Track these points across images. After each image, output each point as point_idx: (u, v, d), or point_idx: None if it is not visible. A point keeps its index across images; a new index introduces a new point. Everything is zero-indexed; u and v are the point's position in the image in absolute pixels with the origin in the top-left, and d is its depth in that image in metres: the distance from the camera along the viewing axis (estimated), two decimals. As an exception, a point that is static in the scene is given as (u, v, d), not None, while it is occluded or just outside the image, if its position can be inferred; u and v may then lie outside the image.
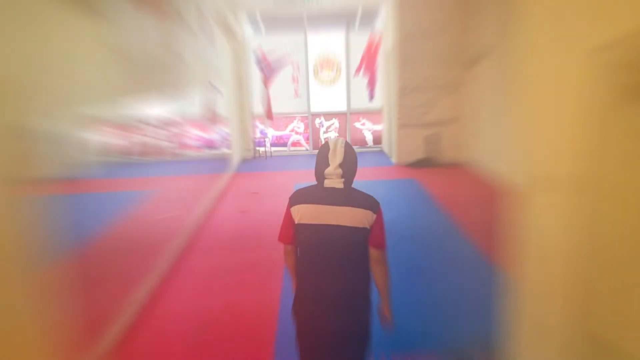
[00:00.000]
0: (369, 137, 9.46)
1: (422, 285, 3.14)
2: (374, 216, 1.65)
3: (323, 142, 1.76)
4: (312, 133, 9.36)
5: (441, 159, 7.40)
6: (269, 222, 4.73)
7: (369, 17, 8.61)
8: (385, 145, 8.84)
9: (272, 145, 9.46)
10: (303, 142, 9.58)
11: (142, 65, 3.25)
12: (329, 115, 9.34)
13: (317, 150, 1.75)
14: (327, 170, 1.67)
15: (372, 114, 9.26)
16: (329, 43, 9.06)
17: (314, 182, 1.77)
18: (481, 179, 6.26)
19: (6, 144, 1.62)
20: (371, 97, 8.91)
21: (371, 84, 8.82)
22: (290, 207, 1.71)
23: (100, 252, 2.61)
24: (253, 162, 8.67)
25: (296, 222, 1.68)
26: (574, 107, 1.29)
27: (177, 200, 4.37)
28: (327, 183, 1.68)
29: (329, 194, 1.67)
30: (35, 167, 1.89)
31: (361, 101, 9.07)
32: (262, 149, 9.10)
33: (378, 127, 9.32)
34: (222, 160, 6.95)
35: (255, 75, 8.85)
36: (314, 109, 9.21)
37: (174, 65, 4.18)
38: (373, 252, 1.69)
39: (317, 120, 9.34)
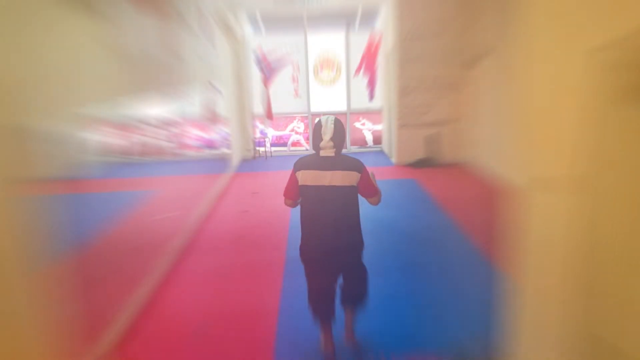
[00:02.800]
0: (369, 137, 9.46)
1: (421, 285, 3.14)
2: (359, 175, 2.16)
3: (317, 121, 2.26)
4: (312, 133, 9.36)
5: (441, 159, 7.40)
6: (269, 222, 4.73)
7: (369, 17, 8.61)
8: (385, 145, 8.84)
9: (272, 145, 9.45)
10: (303, 142, 9.58)
11: (142, 65, 3.25)
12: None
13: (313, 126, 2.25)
14: (322, 144, 2.17)
15: (372, 114, 9.26)
16: (329, 43, 9.05)
17: None
18: (481, 179, 6.26)
19: (6, 144, 1.62)
20: (371, 97, 8.91)
21: (371, 84, 8.82)
22: (295, 172, 2.22)
23: (100, 252, 2.61)
24: (253, 162, 8.67)
25: (300, 183, 2.20)
26: (574, 107, 1.29)
27: (177, 200, 4.37)
28: (322, 153, 2.18)
29: (324, 161, 2.16)
30: (35, 167, 1.89)
31: (361, 101, 9.07)
32: (262, 149, 9.10)
33: (378, 127, 9.32)
34: (222, 160, 6.95)
35: (255, 75, 8.85)
36: (314, 109, 9.21)
37: (174, 65, 4.18)
38: (368, 200, 2.29)
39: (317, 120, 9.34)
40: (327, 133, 2.16)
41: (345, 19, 8.73)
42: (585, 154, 1.25)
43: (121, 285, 2.83)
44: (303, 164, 2.21)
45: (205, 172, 5.91)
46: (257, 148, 9.05)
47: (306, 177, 2.17)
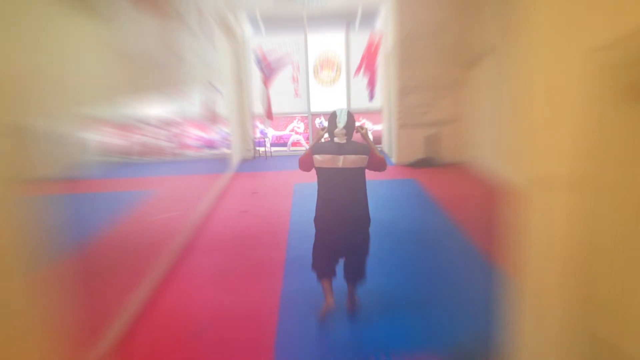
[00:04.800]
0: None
1: (422, 285, 3.14)
2: (367, 157, 2.60)
3: (332, 112, 2.68)
4: (312, 133, 9.36)
5: (441, 159, 7.39)
6: (269, 222, 4.73)
7: (369, 17, 8.61)
8: (385, 145, 8.84)
9: (272, 145, 9.45)
10: (303, 142, 9.57)
11: (142, 65, 3.24)
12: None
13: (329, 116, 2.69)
14: (336, 131, 2.60)
15: (372, 114, 9.26)
16: (329, 43, 9.05)
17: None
18: (481, 179, 6.26)
19: (6, 144, 1.62)
20: (371, 97, 8.91)
21: (371, 84, 8.81)
22: (312, 154, 2.62)
23: (101, 252, 2.61)
24: (253, 162, 8.67)
25: (317, 165, 2.63)
26: (574, 107, 1.29)
27: (177, 200, 4.37)
28: (336, 139, 2.61)
29: (338, 146, 2.59)
30: (35, 167, 1.89)
31: (361, 101, 9.07)
32: (262, 149, 9.10)
33: (378, 127, 9.32)
34: (222, 160, 6.95)
35: (255, 75, 8.84)
36: (314, 109, 9.21)
37: (174, 65, 4.18)
38: (377, 172, 2.71)
39: (317, 120, 9.34)
40: (341, 122, 2.59)
41: (345, 19, 8.73)
42: (585, 154, 1.25)
43: (121, 285, 2.83)
44: (320, 148, 2.62)
45: (205, 172, 5.91)
46: (257, 148, 9.05)
47: (322, 160, 2.60)
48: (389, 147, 8.32)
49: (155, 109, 3.86)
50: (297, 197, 5.63)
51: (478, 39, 6.50)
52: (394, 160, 7.83)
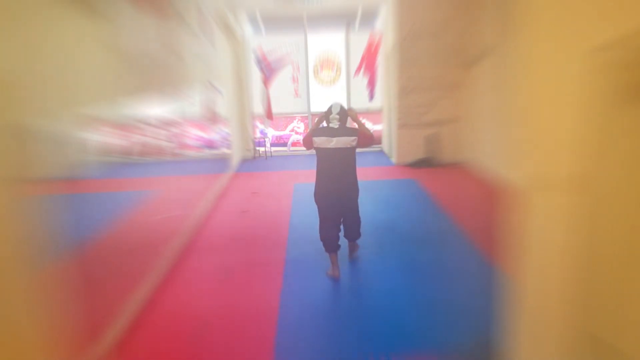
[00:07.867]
0: (369, 137, 9.44)
1: (422, 285, 3.14)
2: (355, 138, 3.14)
3: (328, 106, 3.22)
4: (312, 133, 9.35)
5: (441, 159, 7.39)
6: (269, 222, 4.73)
7: (369, 17, 8.60)
8: (385, 145, 8.83)
9: (272, 145, 9.45)
10: (303, 142, 9.58)
11: (142, 65, 3.25)
12: (329, 115, 9.32)
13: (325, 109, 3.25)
14: (331, 117, 3.16)
15: (372, 114, 9.26)
16: (329, 43, 9.05)
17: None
18: (481, 179, 6.26)
19: (6, 144, 1.62)
20: (371, 97, 8.91)
21: (371, 84, 8.81)
22: (313, 136, 3.18)
23: (101, 252, 2.61)
24: (253, 162, 8.67)
25: (315, 146, 3.19)
26: (574, 107, 1.29)
27: (177, 200, 4.37)
28: (331, 124, 3.16)
29: (333, 130, 3.15)
30: (35, 167, 1.89)
31: (361, 101, 9.07)
32: (262, 149, 9.10)
33: (378, 127, 9.32)
34: (222, 160, 6.95)
35: (255, 75, 8.84)
36: (314, 109, 9.21)
37: (174, 65, 4.18)
38: (370, 145, 3.28)
39: (317, 120, 9.34)
40: (335, 110, 3.15)
41: (345, 19, 8.73)
42: (585, 154, 1.25)
43: (121, 285, 2.83)
44: (319, 132, 3.18)
45: (205, 172, 5.91)
46: (257, 148, 9.05)
47: (319, 142, 3.15)
48: (389, 147, 8.32)
49: (155, 109, 3.86)
50: (297, 197, 5.63)
51: (478, 39, 6.50)
52: (394, 160, 7.82)
